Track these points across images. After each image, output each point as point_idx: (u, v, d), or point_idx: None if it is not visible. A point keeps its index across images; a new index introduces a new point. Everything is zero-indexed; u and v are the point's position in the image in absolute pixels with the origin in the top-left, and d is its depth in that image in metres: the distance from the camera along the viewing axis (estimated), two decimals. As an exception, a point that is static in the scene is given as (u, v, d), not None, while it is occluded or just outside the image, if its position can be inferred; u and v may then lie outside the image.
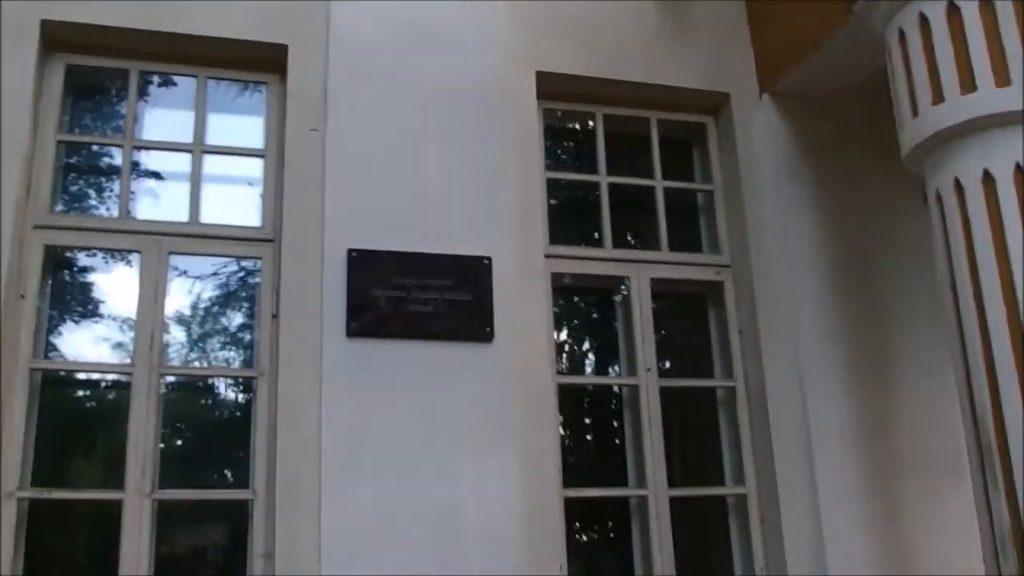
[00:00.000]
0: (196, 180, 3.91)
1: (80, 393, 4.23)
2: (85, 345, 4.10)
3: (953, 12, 3.08)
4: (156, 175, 4.14)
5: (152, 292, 3.72)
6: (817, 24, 3.99)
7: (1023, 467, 2.73)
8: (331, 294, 3.64)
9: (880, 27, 3.38)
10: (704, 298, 4.48)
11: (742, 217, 4.33)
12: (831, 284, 4.23)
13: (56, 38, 3.82)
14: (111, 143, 4.12)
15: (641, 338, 4.16)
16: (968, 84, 3.01)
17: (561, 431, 4.09)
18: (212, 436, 4.27)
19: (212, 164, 4.00)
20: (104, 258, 4.08)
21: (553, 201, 4.29)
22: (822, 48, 4.05)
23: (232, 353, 4.34)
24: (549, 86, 4.25)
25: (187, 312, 4.15)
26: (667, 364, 4.38)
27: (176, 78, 4.14)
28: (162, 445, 3.65)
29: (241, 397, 4.10)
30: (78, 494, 3.79)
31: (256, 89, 4.17)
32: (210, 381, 4.24)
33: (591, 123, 4.48)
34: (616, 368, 4.76)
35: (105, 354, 4.10)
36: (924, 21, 3.14)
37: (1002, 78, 2.96)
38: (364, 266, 3.67)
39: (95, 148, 4.20)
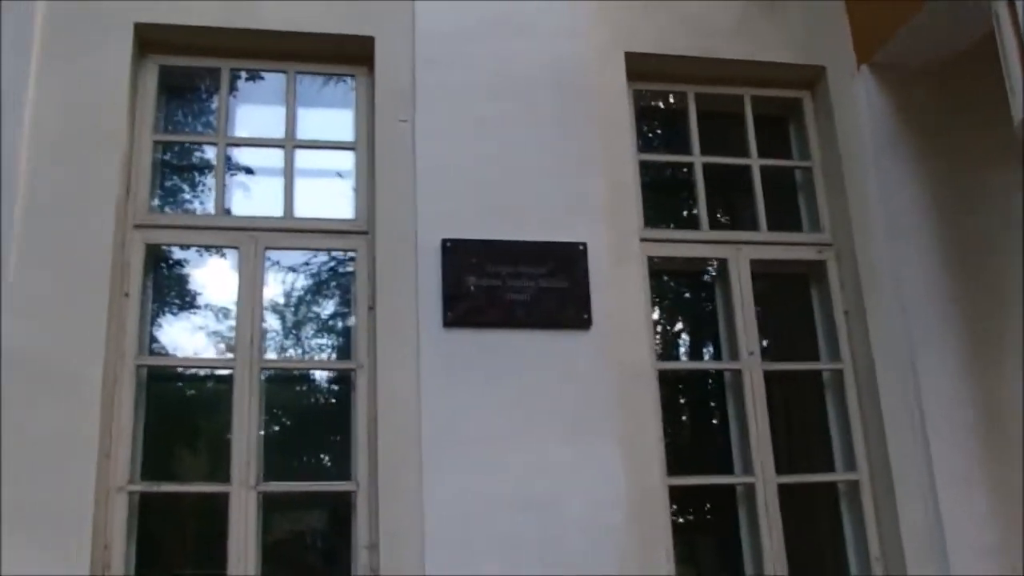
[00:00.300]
0: (289, 175, 3.94)
1: (183, 387, 4.32)
2: (185, 339, 4.19)
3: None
4: (249, 170, 4.20)
5: (250, 287, 3.77)
6: (917, -11, 3.81)
7: None
8: (426, 285, 3.63)
9: (985, -10, 3.21)
10: (805, 278, 4.34)
11: (843, 193, 4.18)
12: (940, 260, 4.03)
13: (149, 40, 3.90)
14: (205, 140, 4.21)
15: (742, 321, 4.06)
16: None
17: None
18: (310, 427, 4.31)
19: (303, 158, 4.02)
20: (199, 252, 4.15)
21: (646, 184, 4.19)
22: (922, 15, 3.85)
23: (328, 344, 4.38)
24: (639, 67, 4.17)
25: (284, 305, 4.20)
26: (766, 346, 4.24)
27: (265, 74, 4.19)
28: (262, 432, 3.69)
29: (338, 388, 4.13)
30: (186, 487, 3.86)
31: (340, 81, 4.19)
32: (308, 373, 4.28)
33: (683, 103, 4.36)
34: (710, 351, 4.67)
35: (204, 348, 4.18)
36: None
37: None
38: (458, 255, 3.65)
39: (189, 146, 4.28)
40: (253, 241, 3.80)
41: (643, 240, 4.02)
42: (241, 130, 4.15)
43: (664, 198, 4.50)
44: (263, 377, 3.71)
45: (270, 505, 3.67)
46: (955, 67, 4.12)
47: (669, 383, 4.32)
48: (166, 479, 3.77)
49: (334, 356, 4.32)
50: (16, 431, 3.26)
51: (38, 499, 3.22)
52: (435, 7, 3.95)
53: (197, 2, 3.88)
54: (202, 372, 4.22)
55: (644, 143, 4.36)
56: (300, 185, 3.94)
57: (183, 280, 4.27)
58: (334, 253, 4.12)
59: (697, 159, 4.28)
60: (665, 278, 4.56)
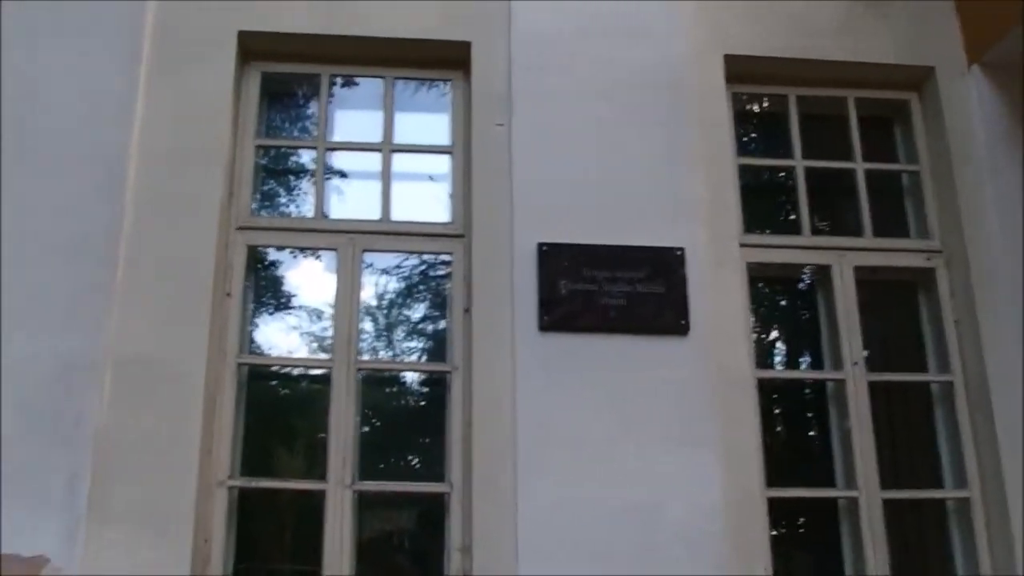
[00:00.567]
0: (386, 178, 3.98)
1: (281, 386, 4.40)
2: (282, 339, 4.28)
3: None
4: (347, 174, 4.27)
5: (348, 289, 3.81)
6: (1032, -16, 3.65)
7: None
8: (522, 288, 3.62)
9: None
10: (913, 286, 4.19)
11: (954, 198, 4.02)
12: (1057, 266, 3.85)
13: (252, 47, 4.00)
14: (305, 145, 4.30)
15: (846, 330, 3.93)
16: None
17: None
18: (405, 428, 4.35)
19: (400, 162, 4.06)
20: (292, 253, 4.23)
21: (745, 188, 4.10)
22: (1038, 11, 3.71)
23: (424, 346, 4.42)
24: (738, 69, 4.10)
25: (380, 307, 4.25)
26: (869, 356, 4.10)
27: (363, 79, 4.24)
28: (360, 431, 3.72)
29: (433, 390, 4.15)
30: (284, 483, 3.94)
31: (434, 86, 4.22)
32: (404, 375, 4.32)
33: (783, 105, 4.26)
34: (808, 359, 4.55)
35: (301, 347, 4.26)
36: None
37: None
38: (555, 259, 3.63)
39: (288, 150, 4.36)
40: (351, 243, 3.85)
41: (742, 245, 3.93)
42: (339, 135, 4.21)
43: (764, 202, 4.41)
44: (359, 377, 3.74)
45: (365, 504, 3.71)
46: (1075, 64, 3.93)
47: (765, 392, 4.22)
48: (265, 476, 3.85)
49: (427, 358, 4.35)
50: (123, 428, 3.38)
51: (143, 494, 3.33)
52: (531, 11, 3.95)
53: (298, 11, 3.96)
54: (300, 371, 4.30)
55: (742, 146, 4.26)
56: (397, 188, 3.98)
57: (281, 281, 4.36)
58: (429, 256, 4.15)
59: (799, 163, 4.17)
60: (764, 284, 4.45)
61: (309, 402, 4.19)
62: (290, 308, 4.34)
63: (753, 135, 4.56)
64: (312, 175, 4.11)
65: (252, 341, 4.07)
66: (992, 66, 4.08)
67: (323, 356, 3.93)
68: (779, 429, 4.58)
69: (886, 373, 4.06)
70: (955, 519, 3.90)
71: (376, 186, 3.98)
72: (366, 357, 4.00)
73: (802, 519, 4.34)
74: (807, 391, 4.44)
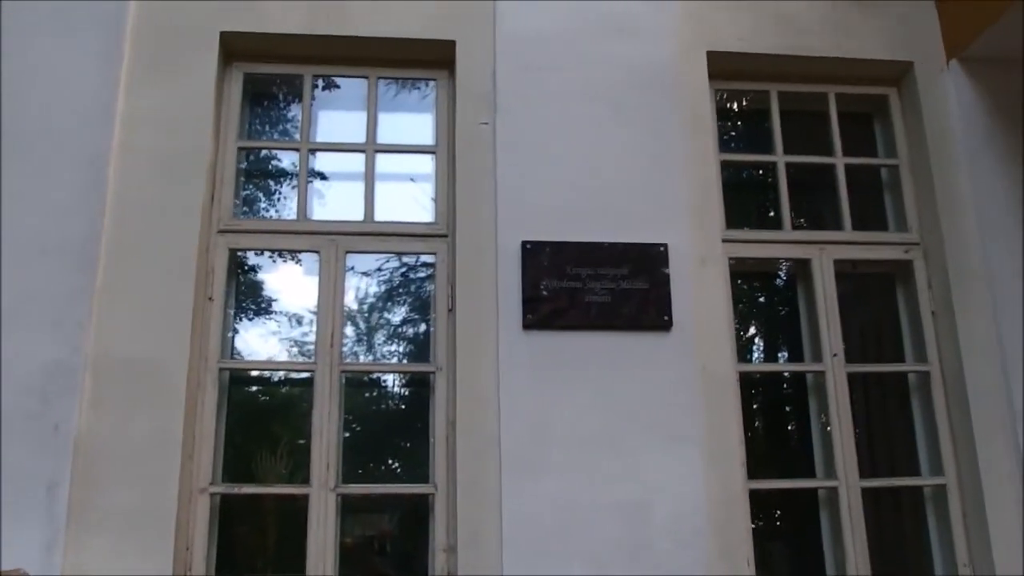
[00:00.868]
0: (370, 179, 3.97)
1: (263, 390, 4.37)
2: (264, 343, 4.25)
3: None
4: (330, 176, 4.24)
5: (330, 291, 3.79)
6: (1011, -22, 3.70)
7: None
8: (506, 287, 3.63)
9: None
10: (890, 278, 4.23)
11: (932, 191, 4.06)
12: (1033, 259, 3.90)
13: (234, 48, 3.97)
14: (287, 146, 4.27)
15: (826, 322, 3.97)
16: None
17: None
18: (389, 430, 4.33)
19: (384, 162, 4.04)
20: (271, 257, 4.20)
21: (727, 184, 4.12)
22: (1015, 7, 3.74)
23: (407, 348, 4.40)
24: (720, 66, 4.11)
25: (362, 309, 4.23)
26: (848, 348, 4.14)
27: (346, 79, 4.22)
28: (347, 434, 3.71)
29: (417, 390, 4.14)
30: (267, 489, 3.91)
31: (415, 87, 4.22)
32: (387, 376, 4.31)
33: (764, 101, 4.28)
34: (788, 353, 4.58)
35: (283, 351, 4.23)
36: None
37: None
38: (538, 258, 3.64)
39: (270, 152, 4.33)
40: (334, 245, 3.83)
41: (725, 241, 3.95)
42: (322, 136, 4.19)
43: (745, 198, 4.44)
44: (343, 380, 3.73)
45: (349, 507, 3.70)
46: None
47: (746, 385, 4.25)
48: (247, 481, 3.83)
49: (411, 359, 4.34)
50: (103, 433, 3.35)
51: (124, 500, 3.30)
52: (515, 11, 3.96)
53: (281, 11, 3.93)
54: (282, 375, 4.28)
55: (723, 143, 4.28)
56: (380, 189, 3.97)
57: (261, 285, 4.33)
58: (413, 256, 4.13)
59: (780, 158, 4.20)
60: (745, 279, 4.48)
61: (292, 406, 4.17)
62: (272, 311, 4.32)
63: (734, 132, 4.59)
64: (295, 177, 4.07)
65: (234, 345, 4.04)
66: (970, 61, 4.13)
67: (306, 359, 3.90)
68: (760, 422, 4.62)
69: (865, 364, 4.12)
70: (932, 506, 3.96)
71: (359, 187, 3.96)
72: (351, 358, 3.99)
73: (783, 510, 4.38)
74: (785, 385, 4.48)
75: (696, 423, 3.54)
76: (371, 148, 4.02)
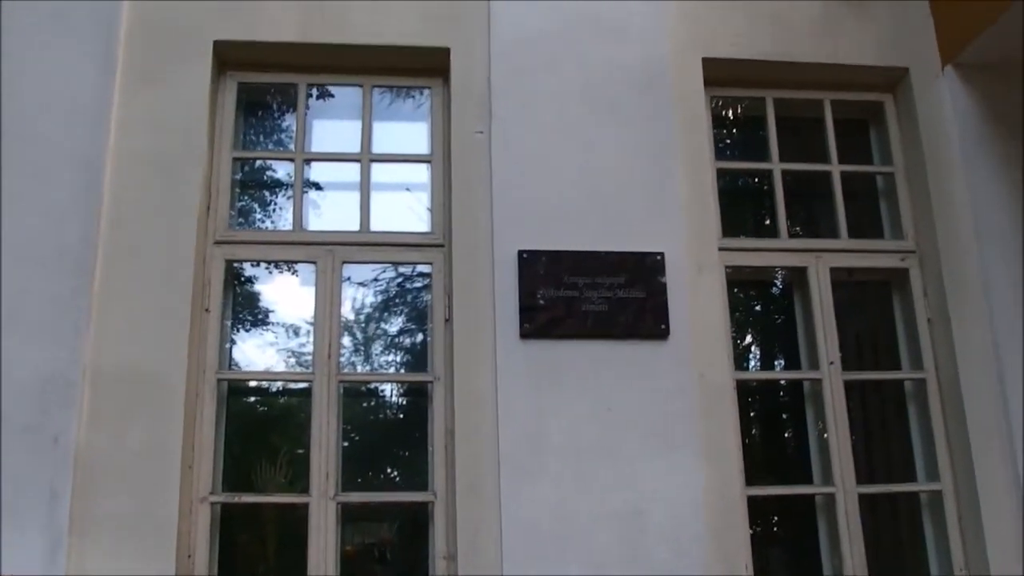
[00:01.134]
0: (365, 189, 3.97)
1: (262, 400, 4.38)
2: (261, 354, 4.26)
3: None
4: (325, 186, 4.24)
5: (327, 301, 3.79)
6: (1007, -17, 3.69)
7: None
8: (503, 296, 3.63)
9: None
10: (887, 286, 4.23)
11: (928, 199, 4.06)
12: (1029, 267, 3.90)
13: (228, 57, 3.96)
14: (283, 157, 4.26)
15: (822, 330, 3.97)
16: None
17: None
18: (388, 439, 4.34)
19: (379, 171, 4.04)
20: (268, 268, 4.21)
21: (723, 192, 4.12)
22: (1011, 13, 3.73)
23: (404, 357, 4.41)
24: (716, 72, 4.11)
25: (360, 319, 4.24)
26: (844, 355, 4.15)
27: (341, 88, 4.22)
28: (345, 444, 3.72)
29: (415, 400, 4.15)
30: (267, 498, 3.92)
31: (410, 95, 4.22)
32: (385, 386, 4.31)
33: (760, 108, 4.27)
34: (786, 361, 4.59)
35: (281, 361, 4.24)
36: None
37: None
38: (535, 267, 3.64)
39: (266, 162, 4.33)
40: (331, 255, 3.83)
41: (721, 249, 3.95)
42: (317, 146, 4.19)
43: (741, 206, 4.44)
44: (340, 390, 3.73)
45: (349, 516, 3.71)
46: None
47: (743, 393, 4.26)
48: (246, 490, 3.83)
49: (408, 368, 4.34)
50: (103, 443, 3.36)
51: (124, 510, 3.30)
52: (510, 17, 3.95)
53: (275, 19, 3.92)
54: (281, 385, 4.28)
55: (719, 150, 4.29)
56: (376, 199, 3.96)
57: (258, 296, 4.34)
58: (410, 266, 4.13)
59: (776, 166, 4.19)
60: (741, 287, 4.48)
61: (290, 416, 4.18)
62: (269, 322, 4.33)
63: (729, 139, 4.59)
64: (290, 187, 4.07)
65: (232, 356, 4.05)
66: (965, 67, 4.12)
67: (304, 369, 3.90)
68: (757, 430, 4.63)
69: (861, 372, 4.13)
70: (928, 512, 3.96)
71: (355, 197, 3.96)
72: (349, 369, 3.99)
73: (781, 516, 4.39)
74: (781, 393, 4.48)
75: (693, 431, 3.55)
76: (366, 158, 4.01)
